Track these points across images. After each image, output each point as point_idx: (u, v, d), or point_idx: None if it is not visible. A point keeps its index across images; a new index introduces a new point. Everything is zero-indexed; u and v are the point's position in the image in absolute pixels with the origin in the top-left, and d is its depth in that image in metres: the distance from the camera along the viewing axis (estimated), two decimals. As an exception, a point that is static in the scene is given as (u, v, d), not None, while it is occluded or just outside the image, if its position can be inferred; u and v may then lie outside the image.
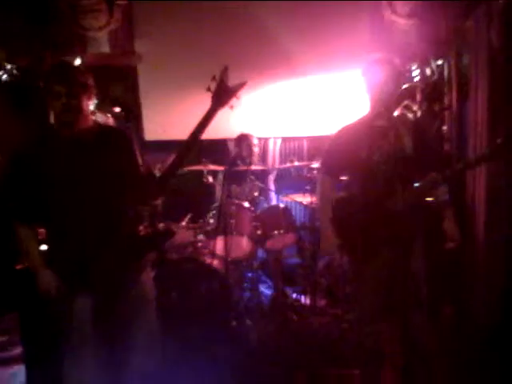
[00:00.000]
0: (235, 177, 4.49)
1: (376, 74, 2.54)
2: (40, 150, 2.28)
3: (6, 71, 4.14)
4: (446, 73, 4.32)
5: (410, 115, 4.50)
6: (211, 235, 4.13)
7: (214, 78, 2.14)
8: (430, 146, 2.62)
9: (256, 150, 4.77)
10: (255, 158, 4.77)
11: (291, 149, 5.58)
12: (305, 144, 5.57)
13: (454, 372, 3.10)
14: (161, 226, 3.63)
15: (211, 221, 4.20)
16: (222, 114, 2.20)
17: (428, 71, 4.49)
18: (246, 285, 4.55)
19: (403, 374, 2.31)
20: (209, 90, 2.15)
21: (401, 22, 4.47)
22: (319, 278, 4.51)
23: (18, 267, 2.97)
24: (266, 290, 4.75)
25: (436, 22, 4.28)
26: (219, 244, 4.01)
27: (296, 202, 4.69)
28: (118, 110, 4.32)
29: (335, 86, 5.08)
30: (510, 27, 3.29)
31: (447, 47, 4.23)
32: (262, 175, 4.86)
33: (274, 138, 5.46)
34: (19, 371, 3.15)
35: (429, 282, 2.63)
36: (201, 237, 4.10)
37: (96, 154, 2.27)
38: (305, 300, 4.47)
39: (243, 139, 4.75)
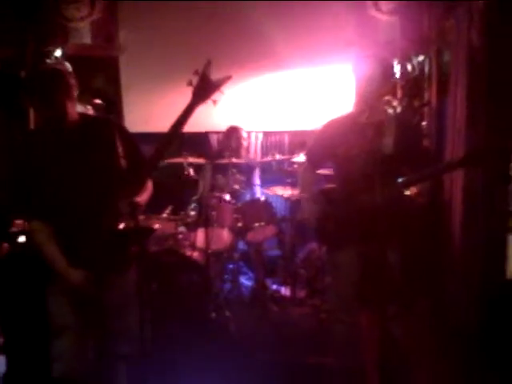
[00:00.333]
0: (219, 169, 4.51)
1: (366, 70, 2.57)
2: (30, 145, 2.30)
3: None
4: (426, 69, 4.37)
5: (391, 111, 4.55)
6: (192, 227, 4.14)
7: (196, 72, 2.10)
8: (410, 142, 2.67)
9: (245, 143, 4.80)
10: (243, 151, 4.79)
11: (272, 143, 5.60)
12: (286, 138, 5.59)
13: (429, 364, 3.18)
14: (141, 218, 3.61)
15: (192, 213, 4.20)
16: (204, 107, 2.17)
17: (409, 67, 4.54)
18: (226, 276, 4.59)
19: (379, 363, 2.36)
20: (190, 84, 2.11)
21: (384, 18, 4.51)
22: (299, 270, 4.56)
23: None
24: (246, 281, 4.79)
25: (418, 20, 4.32)
26: (200, 236, 4.03)
27: (277, 195, 4.72)
28: (98, 101, 4.28)
29: (317, 81, 5.10)
30: (490, 27, 3.34)
31: (428, 44, 4.28)
32: (248, 169, 4.88)
33: (256, 131, 5.47)
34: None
35: (404, 275, 2.69)
36: (181, 229, 4.10)
37: (80, 146, 2.27)
38: (285, 291, 4.51)
39: (233, 132, 4.76)
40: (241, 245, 4.71)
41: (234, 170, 4.53)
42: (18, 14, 3.98)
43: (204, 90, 2.11)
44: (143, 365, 2.35)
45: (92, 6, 4.33)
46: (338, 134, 2.66)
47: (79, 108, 2.38)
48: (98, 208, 2.23)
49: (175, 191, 4.60)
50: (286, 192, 4.49)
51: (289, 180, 4.44)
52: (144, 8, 4.82)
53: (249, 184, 4.84)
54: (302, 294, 4.47)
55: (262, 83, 5.13)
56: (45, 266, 2.26)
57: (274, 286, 4.55)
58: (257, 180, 5.01)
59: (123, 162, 2.31)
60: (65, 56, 4.21)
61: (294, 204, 4.45)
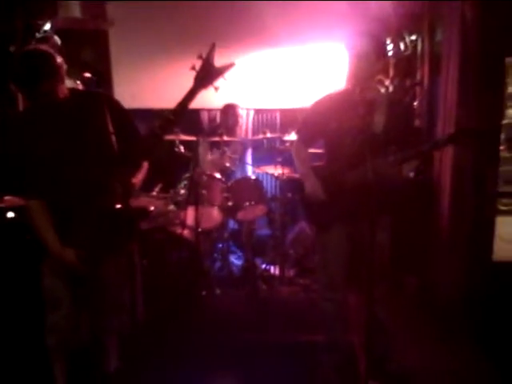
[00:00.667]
0: (212, 147, 4.49)
1: (359, 47, 2.53)
2: (21, 123, 2.29)
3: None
4: (419, 48, 4.35)
5: (382, 90, 4.52)
6: (182, 205, 4.12)
7: (200, 56, 2.02)
8: (401, 121, 2.65)
9: (242, 120, 4.76)
10: (239, 129, 4.76)
11: (264, 120, 5.57)
12: (277, 116, 5.57)
13: (414, 343, 3.22)
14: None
15: (182, 191, 4.19)
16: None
17: (402, 46, 4.51)
18: (216, 255, 4.59)
19: (365, 343, 2.39)
20: (193, 68, 2.04)
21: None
22: (288, 249, 4.57)
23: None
24: (236, 260, 4.80)
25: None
26: (190, 214, 4.02)
27: (267, 173, 4.71)
28: (88, 75, 4.21)
29: (310, 58, 5.06)
30: (483, 3, 3.31)
31: (421, 20, 4.24)
32: (240, 147, 4.85)
33: (247, 109, 5.43)
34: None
35: (393, 254, 2.71)
36: (172, 207, 4.09)
37: (71, 122, 2.24)
38: (274, 270, 4.53)
39: (230, 109, 4.73)
40: (231, 224, 4.71)
41: (226, 148, 4.50)
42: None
43: (207, 75, 2.04)
44: (134, 339, 2.38)
45: (81, -21, 4.25)
46: (329, 111, 2.64)
47: (68, 83, 2.33)
48: (93, 186, 2.21)
49: (166, 168, 4.58)
50: (276, 171, 4.48)
51: (279, 159, 4.42)
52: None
53: (240, 162, 4.82)
54: (291, 273, 4.50)
55: (253, 60, 5.08)
56: (37, 242, 2.25)
57: (264, 265, 4.56)
58: (248, 158, 4.98)
59: (114, 138, 2.27)
60: (54, 30, 4.12)
61: (284, 183, 4.44)
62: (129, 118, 2.40)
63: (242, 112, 4.80)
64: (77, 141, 2.22)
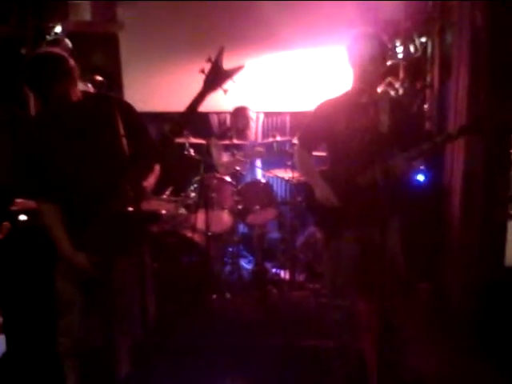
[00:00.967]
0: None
1: (362, 49, 2.49)
2: (34, 127, 2.30)
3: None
4: (429, 50, 4.33)
5: (392, 92, 4.51)
6: (192, 209, 4.12)
7: (209, 59, 1.99)
8: (410, 124, 2.62)
9: (252, 124, 4.74)
10: (250, 132, 4.74)
11: (274, 124, 5.55)
12: (287, 119, 5.54)
13: (427, 349, 3.19)
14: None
15: (192, 194, 4.18)
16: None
17: (412, 48, 4.49)
18: (226, 259, 4.58)
19: (378, 348, 2.35)
20: (202, 72, 2.00)
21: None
22: (299, 253, 4.55)
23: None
24: (246, 264, 4.78)
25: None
26: (200, 218, 4.01)
27: (277, 177, 4.69)
28: (99, 78, 4.23)
29: (320, 61, 5.05)
30: (493, 6, 3.29)
31: (431, 24, 4.23)
32: (250, 150, 4.83)
33: (257, 112, 5.42)
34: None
35: (406, 260, 2.67)
36: (182, 210, 4.08)
37: (83, 125, 2.25)
38: (284, 274, 4.50)
39: (240, 111, 4.71)
40: (241, 227, 4.70)
41: (235, 151, 4.49)
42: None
43: (215, 78, 2.01)
44: (146, 343, 2.38)
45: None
46: (333, 114, 2.60)
47: (79, 86, 2.34)
48: (104, 189, 2.20)
49: (176, 171, 4.58)
50: (286, 174, 4.46)
51: (289, 162, 4.40)
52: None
53: (250, 166, 4.81)
54: (301, 277, 4.47)
55: (263, 63, 5.08)
56: (49, 245, 2.26)
57: (274, 270, 4.54)
58: (258, 162, 4.97)
59: (125, 141, 2.28)
60: (64, 33, 4.15)
61: (294, 187, 4.42)
62: (140, 122, 2.40)
63: (252, 115, 4.77)
64: (89, 144, 2.23)
